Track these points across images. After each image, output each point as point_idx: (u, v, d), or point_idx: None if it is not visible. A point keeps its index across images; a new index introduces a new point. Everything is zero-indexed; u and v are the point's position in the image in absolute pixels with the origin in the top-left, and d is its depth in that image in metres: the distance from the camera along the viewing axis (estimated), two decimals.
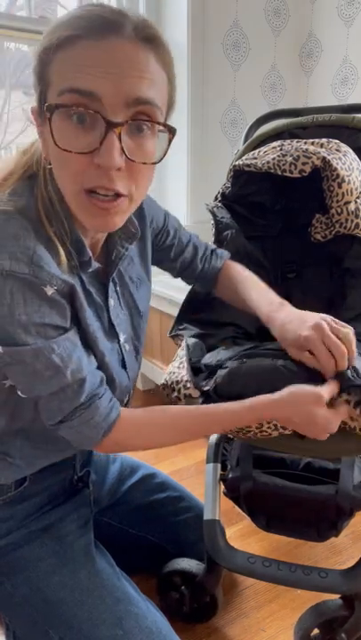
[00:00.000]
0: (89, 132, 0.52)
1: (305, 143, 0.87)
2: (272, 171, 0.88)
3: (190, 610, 0.93)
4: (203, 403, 0.69)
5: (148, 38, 0.53)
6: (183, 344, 0.80)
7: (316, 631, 0.85)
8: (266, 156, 0.90)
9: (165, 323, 1.67)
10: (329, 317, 0.66)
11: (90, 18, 0.51)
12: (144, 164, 0.56)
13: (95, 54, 0.50)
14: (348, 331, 0.64)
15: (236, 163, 0.95)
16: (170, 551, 0.95)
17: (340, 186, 0.83)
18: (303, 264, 1.02)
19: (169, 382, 0.72)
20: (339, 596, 0.82)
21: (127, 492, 0.99)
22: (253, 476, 0.84)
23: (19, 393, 0.63)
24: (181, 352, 0.78)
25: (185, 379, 0.70)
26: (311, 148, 0.85)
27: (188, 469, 1.46)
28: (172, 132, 0.57)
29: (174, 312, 0.94)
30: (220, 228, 0.96)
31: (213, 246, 0.93)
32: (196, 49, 1.74)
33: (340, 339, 0.63)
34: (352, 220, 0.86)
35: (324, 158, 0.82)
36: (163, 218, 0.85)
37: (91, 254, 0.64)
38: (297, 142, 0.88)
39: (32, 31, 1.63)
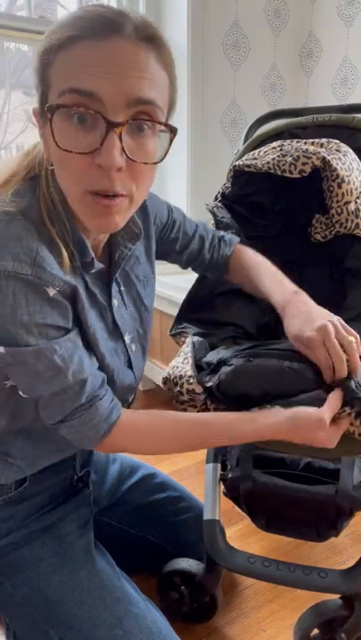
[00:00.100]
0: (90, 132, 0.52)
1: (305, 143, 0.87)
2: (272, 171, 0.88)
3: (190, 610, 0.93)
4: (205, 399, 0.69)
5: (149, 38, 0.53)
6: (188, 341, 0.80)
7: (315, 631, 0.85)
8: (266, 156, 0.90)
9: (165, 323, 1.67)
10: (338, 321, 0.66)
11: (91, 18, 0.51)
12: (145, 163, 0.56)
13: (96, 54, 0.51)
14: (353, 339, 0.64)
15: (236, 163, 0.95)
16: (170, 551, 0.95)
17: (339, 186, 0.83)
18: (303, 264, 1.02)
19: (172, 377, 0.72)
20: (338, 596, 0.82)
21: (127, 491, 0.99)
22: (253, 476, 0.84)
23: (20, 393, 0.64)
24: (186, 348, 0.78)
25: (188, 374, 0.70)
26: (311, 148, 0.85)
27: (188, 469, 1.46)
28: (173, 131, 0.57)
29: (174, 312, 0.94)
30: (220, 227, 0.96)
31: (221, 233, 0.92)
32: (196, 49, 1.74)
33: (342, 345, 0.63)
34: (352, 220, 0.86)
35: (324, 158, 0.82)
36: (166, 212, 0.85)
37: (93, 255, 0.64)
38: (297, 142, 0.88)
39: (32, 31, 1.63)
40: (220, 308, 0.93)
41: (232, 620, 0.96)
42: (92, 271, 0.65)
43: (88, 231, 0.63)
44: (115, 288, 0.72)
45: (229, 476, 0.87)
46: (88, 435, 0.64)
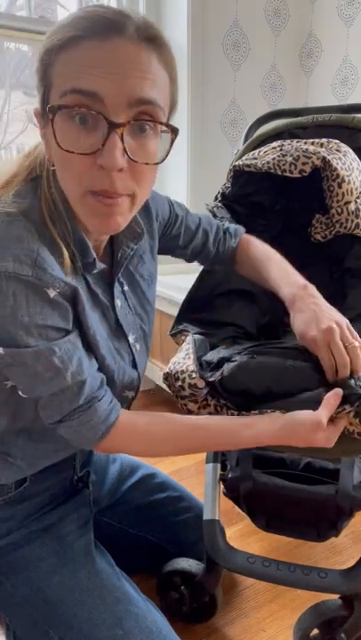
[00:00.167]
0: (91, 132, 0.52)
1: (305, 143, 0.87)
2: (272, 171, 0.88)
3: (190, 610, 0.93)
4: (207, 394, 0.69)
5: (151, 39, 0.53)
6: (189, 338, 0.80)
7: (315, 631, 0.85)
8: (266, 156, 0.90)
9: (165, 323, 1.67)
10: (346, 324, 0.67)
11: (92, 19, 0.51)
12: (146, 164, 0.56)
13: (97, 55, 0.50)
14: (357, 344, 0.65)
15: (236, 163, 0.95)
16: (170, 551, 0.95)
17: (340, 186, 0.83)
18: (303, 264, 1.01)
19: (173, 372, 0.72)
20: (338, 596, 0.82)
21: (127, 491, 0.99)
22: (253, 475, 0.84)
23: (20, 393, 0.64)
24: (187, 346, 0.78)
25: (191, 368, 0.70)
26: (311, 147, 0.85)
27: (188, 469, 1.46)
28: (174, 132, 0.57)
29: (174, 312, 0.94)
30: None
31: (226, 225, 0.91)
32: (196, 49, 1.74)
33: (346, 348, 0.64)
34: (352, 220, 0.86)
35: (324, 158, 0.82)
36: (168, 208, 0.85)
37: (95, 255, 0.64)
38: (297, 142, 0.88)
39: (32, 31, 1.63)
40: (220, 308, 0.93)
41: (232, 620, 0.96)
42: (94, 271, 0.65)
43: (89, 232, 0.63)
44: (117, 288, 0.72)
45: (229, 475, 0.87)
46: (86, 435, 0.65)
